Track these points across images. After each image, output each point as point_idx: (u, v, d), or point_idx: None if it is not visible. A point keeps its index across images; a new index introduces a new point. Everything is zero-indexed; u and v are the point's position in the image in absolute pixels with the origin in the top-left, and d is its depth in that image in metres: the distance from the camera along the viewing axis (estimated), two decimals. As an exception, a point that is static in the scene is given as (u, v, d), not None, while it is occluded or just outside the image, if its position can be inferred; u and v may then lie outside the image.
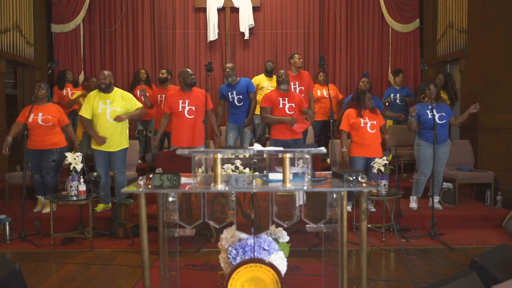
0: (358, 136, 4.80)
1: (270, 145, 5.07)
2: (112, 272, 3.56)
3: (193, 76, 4.88)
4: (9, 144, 4.61)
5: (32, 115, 4.65)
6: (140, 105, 4.89)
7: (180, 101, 4.80)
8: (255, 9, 7.50)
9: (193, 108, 4.79)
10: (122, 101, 4.75)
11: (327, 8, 7.62)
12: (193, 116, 4.80)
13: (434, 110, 4.73)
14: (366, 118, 4.77)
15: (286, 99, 4.93)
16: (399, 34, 7.56)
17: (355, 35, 7.63)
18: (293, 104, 4.92)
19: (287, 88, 4.98)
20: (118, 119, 4.69)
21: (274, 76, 6.07)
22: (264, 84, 6.07)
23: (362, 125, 4.75)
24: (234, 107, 5.52)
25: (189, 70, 4.97)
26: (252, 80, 6.00)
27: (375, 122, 4.76)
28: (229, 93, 5.50)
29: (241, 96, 5.46)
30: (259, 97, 6.03)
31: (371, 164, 4.45)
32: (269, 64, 6.22)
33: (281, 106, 4.92)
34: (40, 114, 4.71)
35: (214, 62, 7.24)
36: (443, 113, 4.80)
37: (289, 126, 4.88)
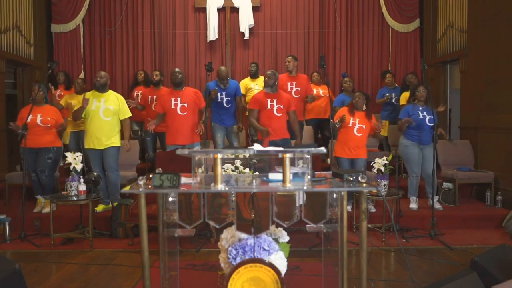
0: (344, 134, 4.79)
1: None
2: (112, 272, 3.56)
3: (177, 74, 4.89)
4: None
5: (30, 116, 4.67)
6: (129, 114, 4.92)
7: (172, 99, 4.84)
8: (255, 9, 7.50)
9: (185, 105, 4.82)
10: (116, 100, 4.81)
11: (327, 8, 7.62)
12: (185, 113, 4.82)
13: (425, 112, 4.81)
14: (357, 119, 4.76)
15: (275, 100, 4.84)
16: (399, 34, 7.56)
17: (355, 35, 7.63)
18: (282, 106, 4.84)
19: (273, 90, 4.87)
20: (126, 148, 4.88)
21: (260, 77, 6.11)
22: (251, 85, 6.11)
23: (350, 125, 4.74)
24: (222, 108, 5.50)
25: (176, 69, 5.01)
26: (240, 84, 6.03)
27: (363, 126, 4.74)
28: (219, 94, 5.46)
29: (229, 98, 5.46)
30: (247, 99, 6.06)
31: (372, 164, 4.46)
32: (253, 66, 6.23)
33: (268, 107, 4.84)
34: (38, 115, 4.73)
35: (214, 62, 7.23)
36: (432, 116, 4.79)
37: (278, 127, 4.84)
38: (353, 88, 6.27)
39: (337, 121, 4.70)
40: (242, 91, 6.08)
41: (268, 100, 4.86)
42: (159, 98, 5.06)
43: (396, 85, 6.75)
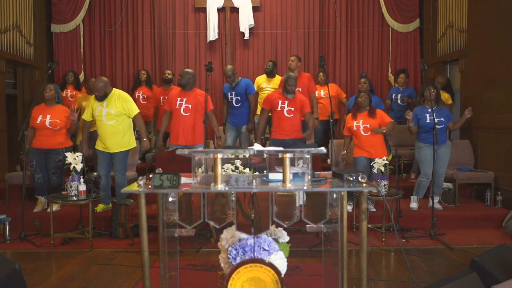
0: (355, 139, 4.87)
1: (270, 145, 5.08)
2: (112, 272, 3.56)
3: (181, 76, 4.89)
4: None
5: (40, 116, 4.69)
6: (137, 111, 4.80)
7: (178, 99, 4.87)
8: (255, 9, 7.50)
9: (189, 106, 4.81)
10: (118, 102, 4.67)
11: (327, 8, 7.62)
12: (188, 114, 4.82)
13: (434, 114, 4.76)
14: (360, 121, 4.78)
15: (286, 102, 4.88)
16: (399, 34, 7.56)
17: (355, 35, 7.63)
18: (293, 108, 4.87)
19: (292, 96, 4.92)
20: (145, 146, 4.90)
21: (276, 77, 6.07)
22: (263, 85, 6.04)
23: (355, 128, 4.81)
24: (233, 107, 5.53)
25: (185, 70, 5.01)
26: (254, 82, 6.01)
27: (368, 125, 4.75)
28: (229, 93, 5.52)
29: (239, 97, 5.46)
30: (260, 97, 6.03)
31: (371, 164, 4.45)
32: (269, 64, 6.15)
33: (279, 109, 4.90)
34: (48, 117, 4.74)
35: (214, 62, 7.24)
36: (442, 118, 4.79)
37: (288, 127, 4.88)
38: (369, 89, 6.16)
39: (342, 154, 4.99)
40: (256, 88, 6.09)
41: (280, 101, 4.91)
42: (168, 96, 5.11)
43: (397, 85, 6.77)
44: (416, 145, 5.05)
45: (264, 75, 6.18)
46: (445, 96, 5.94)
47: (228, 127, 5.62)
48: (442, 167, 4.87)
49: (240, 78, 5.61)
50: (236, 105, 5.49)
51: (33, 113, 4.82)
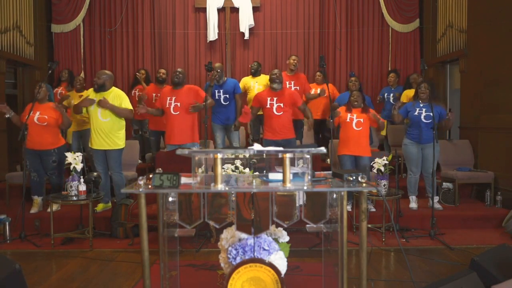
0: (343, 131, 4.84)
1: (263, 146, 5.05)
2: (112, 272, 3.56)
3: (177, 74, 4.89)
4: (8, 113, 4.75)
5: (30, 113, 4.68)
6: (130, 107, 4.76)
7: (168, 98, 4.86)
8: (255, 9, 7.50)
9: (178, 104, 4.79)
10: (116, 100, 4.68)
11: (327, 8, 7.62)
12: (178, 113, 4.80)
13: (424, 109, 4.77)
14: (354, 115, 4.79)
15: (275, 98, 4.87)
16: (399, 34, 7.56)
17: (355, 35, 7.63)
18: (282, 104, 4.84)
19: (279, 88, 4.90)
20: (101, 103, 4.59)
21: (261, 76, 6.11)
22: (250, 83, 6.11)
23: (348, 120, 4.78)
24: (220, 106, 5.49)
25: (178, 69, 5.03)
26: (240, 82, 6.03)
27: (361, 120, 4.75)
28: (216, 91, 5.47)
29: (227, 96, 5.46)
30: (248, 96, 6.08)
31: (371, 164, 4.45)
32: (254, 64, 6.26)
33: (268, 106, 4.90)
34: (37, 113, 4.71)
35: (214, 62, 7.21)
36: (430, 113, 4.66)
37: (279, 127, 4.88)
38: (358, 88, 6.23)
39: (332, 113, 4.74)
40: (242, 89, 6.10)
41: (268, 98, 4.90)
42: (160, 95, 5.11)
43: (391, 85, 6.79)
44: (403, 141, 5.04)
45: (250, 76, 6.25)
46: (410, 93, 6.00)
47: (216, 127, 5.57)
48: (429, 167, 4.76)
49: (226, 77, 5.61)
50: (224, 103, 5.47)
51: (24, 110, 4.80)
